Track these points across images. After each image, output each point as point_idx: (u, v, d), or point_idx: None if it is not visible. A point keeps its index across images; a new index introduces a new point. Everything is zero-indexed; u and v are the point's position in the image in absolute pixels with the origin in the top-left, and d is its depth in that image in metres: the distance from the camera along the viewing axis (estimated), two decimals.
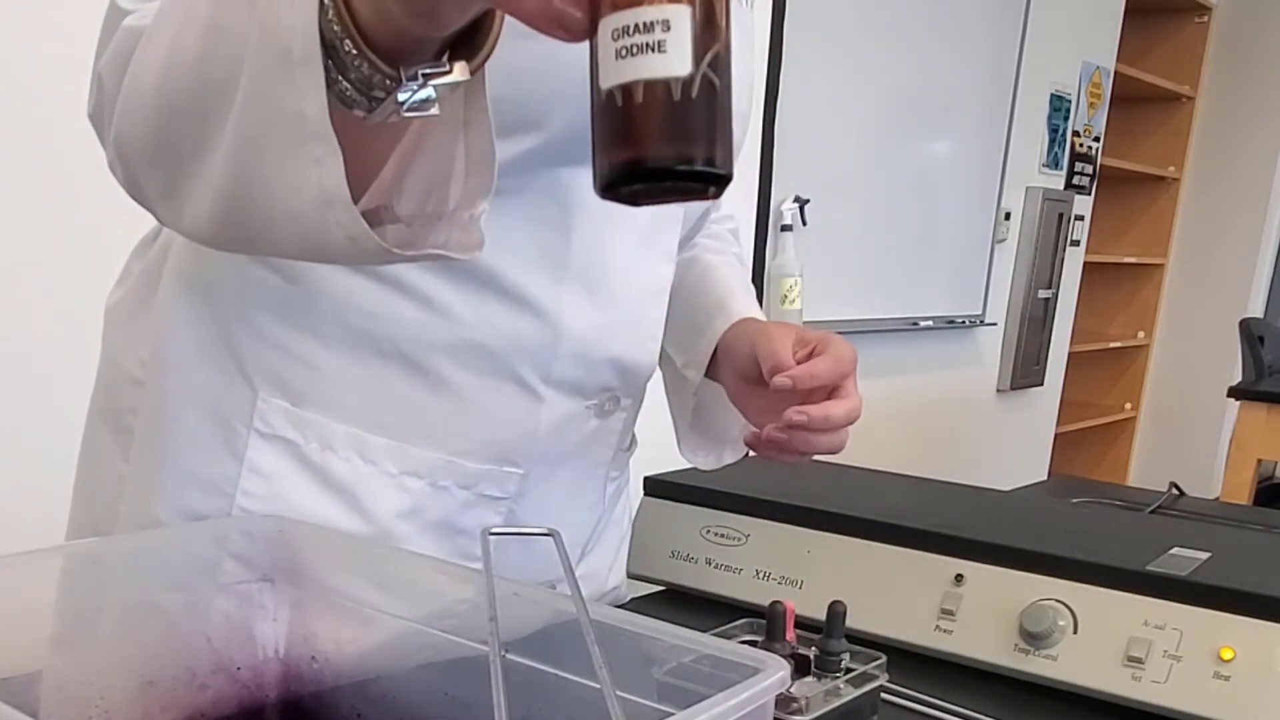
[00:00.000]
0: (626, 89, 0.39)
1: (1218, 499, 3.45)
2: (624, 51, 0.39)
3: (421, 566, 0.67)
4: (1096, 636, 0.84)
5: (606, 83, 0.40)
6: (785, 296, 2.66)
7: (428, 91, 0.49)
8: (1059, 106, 3.87)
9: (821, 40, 2.74)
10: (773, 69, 2.58)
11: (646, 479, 1.09)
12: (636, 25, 0.38)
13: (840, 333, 0.85)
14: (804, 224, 2.75)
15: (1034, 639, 0.85)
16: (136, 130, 0.58)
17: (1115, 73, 4.17)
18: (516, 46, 0.64)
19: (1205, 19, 4.63)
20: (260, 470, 0.72)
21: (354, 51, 0.49)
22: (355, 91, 0.49)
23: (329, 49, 0.48)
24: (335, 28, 0.48)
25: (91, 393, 0.80)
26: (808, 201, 2.75)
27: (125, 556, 0.67)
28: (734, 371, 0.84)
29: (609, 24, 0.39)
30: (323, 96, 0.49)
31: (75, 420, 0.82)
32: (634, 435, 0.87)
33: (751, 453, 0.84)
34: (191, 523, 0.72)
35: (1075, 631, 0.85)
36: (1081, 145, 4.08)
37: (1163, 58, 4.61)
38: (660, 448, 0.96)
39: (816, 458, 0.83)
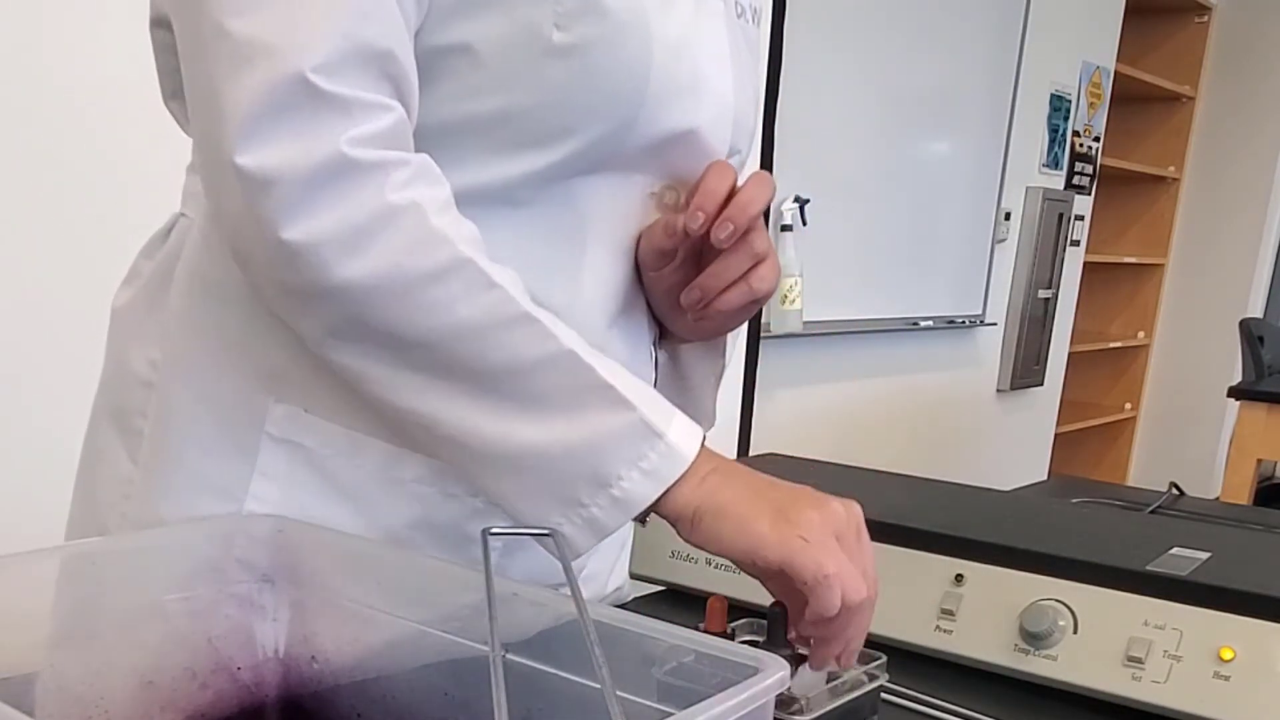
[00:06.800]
0: None
1: (1218, 499, 3.45)
2: None
3: (421, 567, 0.67)
4: (1096, 636, 0.84)
5: None
6: (785, 296, 2.66)
7: None
8: (1059, 106, 3.87)
9: (821, 40, 2.74)
10: (773, 69, 2.58)
11: None
12: None
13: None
14: (804, 224, 2.75)
15: (1034, 639, 0.85)
16: (393, 313, 0.61)
17: (1115, 73, 4.17)
18: (544, 63, 0.65)
19: (1205, 19, 4.63)
20: (271, 474, 0.71)
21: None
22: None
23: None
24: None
25: (96, 392, 0.80)
26: (808, 201, 2.75)
27: (125, 556, 0.67)
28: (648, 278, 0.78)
29: None
30: (618, 526, 0.63)
31: (75, 417, 0.81)
32: None
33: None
34: (192, 522, 0.72)
35: (1075, 631, 0.85)
36: (1081, 145, 4.08)
37: (1163, 58, 4.61)
38: None
39: (816, 457, 0.83)
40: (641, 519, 0.65)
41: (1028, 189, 3.79)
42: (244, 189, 0.58)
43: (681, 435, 0.64)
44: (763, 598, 0.67)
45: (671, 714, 0.46)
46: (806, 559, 0.61)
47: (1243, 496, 3.32)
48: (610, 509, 0.63)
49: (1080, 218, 4.15)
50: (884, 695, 0.77)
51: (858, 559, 0.63)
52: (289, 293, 0.62)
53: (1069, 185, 4.05)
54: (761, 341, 2.73)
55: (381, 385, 0.64)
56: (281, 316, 0.65)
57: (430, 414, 0.63)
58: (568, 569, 0.59)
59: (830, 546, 0.62)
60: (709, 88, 0.73)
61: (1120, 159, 4.41)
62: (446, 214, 0.62)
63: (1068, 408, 4.46)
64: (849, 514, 0.65)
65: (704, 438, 0.66)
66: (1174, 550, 0.91)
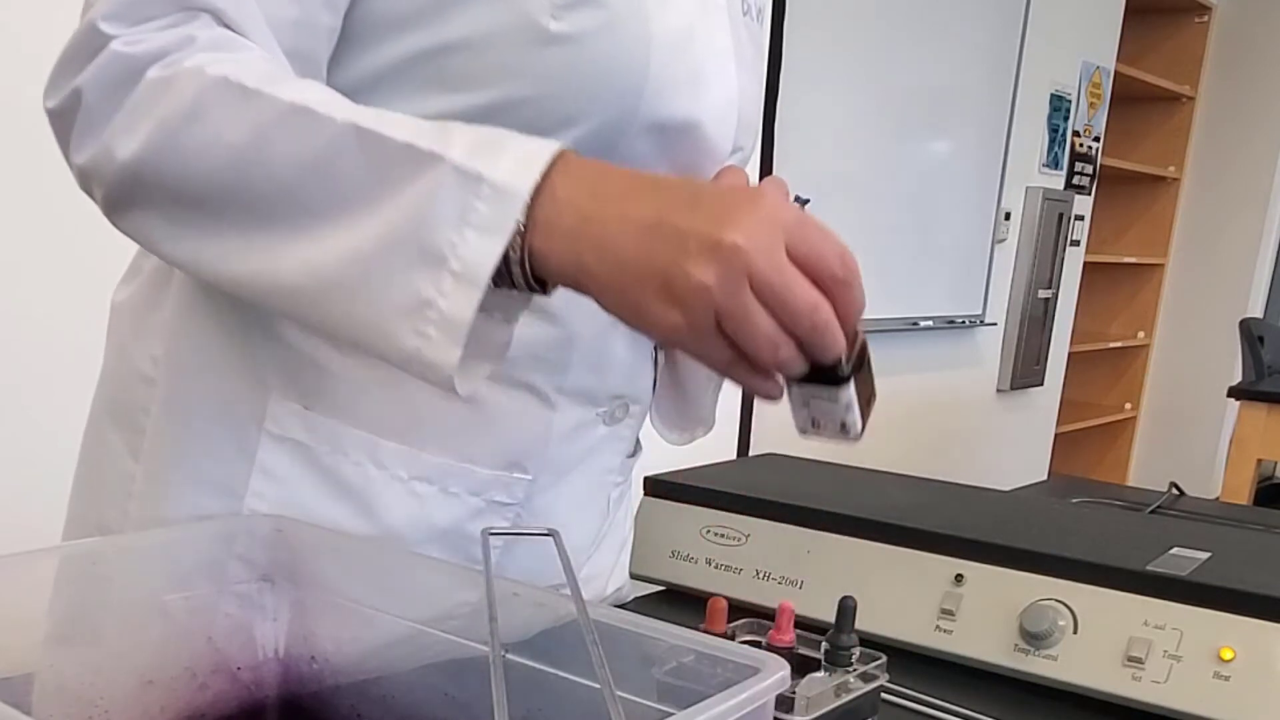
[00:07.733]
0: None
1: (1218, 499, 3.45)
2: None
3: (421, 566, 0.67)
4: (1096, 636, 0.84)
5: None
6: None
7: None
8: (1059, 106, 3.87)
9: (821, 41, 2.74)
10: (773, 69, 2.58)
11: (646, 479, 1.09)
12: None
13: None
14: None
15: (1034, 639, 0.85)
16: (176, 173, 0.59)
17: (1115, 73, 4.17)
18: (541, 53, 0.65)
19: (1205, 19, 4.63)
20: (270, 472, 0.72)
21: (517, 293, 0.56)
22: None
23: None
24: (516, 270, 0.54)
25: (96, 388, 0.80)
26: (808, 201, 2.75)
27: (125, 556, 0.67)
28: None
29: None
30: (473, 310, 0.53)
31: (73, 414, 0.81)
32: (639, 441, 0.87)
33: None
34: (191, 522, 0.72)
35: (1075, 631, 0.85)
36: (1081, 145, 4.08)
37: (1163, 58, 4.61)
38: (660, 448, 0.96)
39: (816, 457, 0.83)
40: (542, 289, 0.56)
41: (1028, 189, 3.79)
42: (53, 129, 0.63)
43: (511, 168, 0.53)
44: (762, 598, 0.67)
45: (671, 714, 0.46)
46: (699, 350, 0.53)
47: (1243, 496, 3.32)
48: (457, 292, 0.53)
49: (1080, 218, 4.16)
50: (884, 695, 0.77)
51: (784, 294, 0.51)
52: (111, 207, 0.63)
53: (1069, 185, 4.05)
54: None
55: (217, 259, 0.60)
56: (130, 238, 0.66)
57: (262, 269, 0.59)
58: (568, 569, 0.59)
59: (736, 316, 0.51)
60: (711, 82, 0.73)
61: (1120, 159, 4.41)
62: (209, 60, 0.58)
63: (1068, 408, 4.46)
64: (761, 234, 0.51)
65: (552, 157, 0.54)
66: (1174, 550, 0.91)
